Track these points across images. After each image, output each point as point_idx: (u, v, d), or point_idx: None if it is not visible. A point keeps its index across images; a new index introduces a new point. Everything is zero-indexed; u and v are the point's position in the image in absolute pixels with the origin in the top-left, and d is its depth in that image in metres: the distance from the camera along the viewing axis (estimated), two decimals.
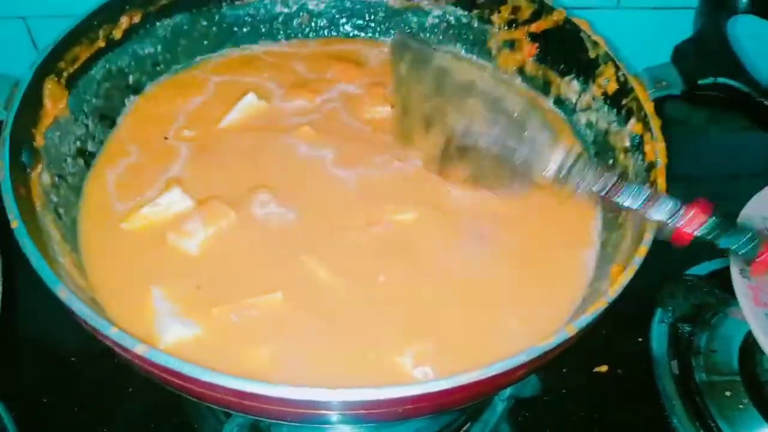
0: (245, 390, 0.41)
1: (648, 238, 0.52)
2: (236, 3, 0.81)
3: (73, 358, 0.72)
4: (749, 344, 0.77)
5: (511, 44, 0.81)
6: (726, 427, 0.71)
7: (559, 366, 0.75)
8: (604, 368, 0.76)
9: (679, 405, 0.74)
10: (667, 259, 0.85)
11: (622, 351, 0.79)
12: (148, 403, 0.69)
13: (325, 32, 0.87)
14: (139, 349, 0.42)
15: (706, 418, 0.73)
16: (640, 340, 0.80)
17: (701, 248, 0.85)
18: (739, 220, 0.76)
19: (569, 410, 0.72)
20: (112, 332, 0.43)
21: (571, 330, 0.46)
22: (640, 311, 0.82)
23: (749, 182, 0.96)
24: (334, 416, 0.46)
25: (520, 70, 0.81)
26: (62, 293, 0.45)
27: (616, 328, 0.78)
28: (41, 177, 0.59)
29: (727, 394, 0.75)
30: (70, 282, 0.53)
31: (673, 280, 0.80)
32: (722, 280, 0.79)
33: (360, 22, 0.86)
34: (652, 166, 0.59)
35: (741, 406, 0.74)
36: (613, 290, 0.48)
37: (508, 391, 0.69)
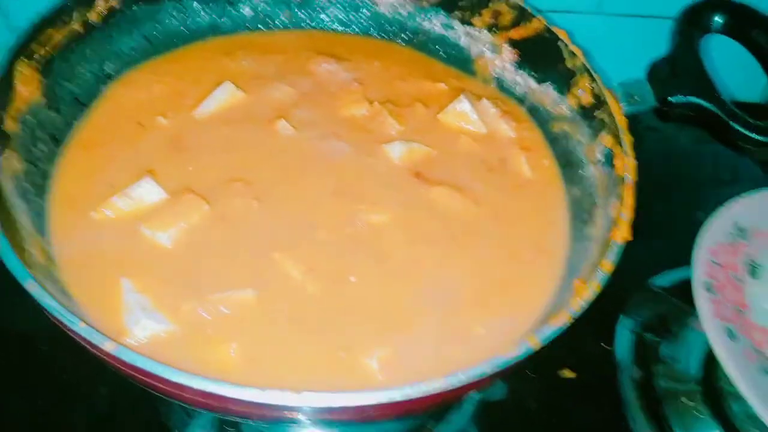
0: (210, 390, 0.41)
1: (613, 253, 0.53)
2: None
3: (44, 347, 0.71)
4: (711, 355, 0.79)
5: (492, 49, 0.81)
6: None
7: (523, 371, 0.76)
8: (571, 374, 0.77)
9: (639, 412, 0.76)
10: (634, 265, 0.87)
11: (587, 356, 0.80)
12: (117, 395, 0.69)
13: (308, 24, 0.86)
14: (108, 347, 0.42)
15: (664, 426, 0.75)
16: (605, 347, 0.82)
17: (668, 256, 0.88)
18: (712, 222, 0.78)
19: (534, 413, 0.74)
20: (80, 328, 0.43)
21: (534, 343, 0.47)
22: (606, 317, 0.84)
23: (716, 190, 0.99)
24: (299, 417, 0.46)
25: (499, 76, 0.81)
26: (31, 287, 0.45)
27: (581, 334, 0.80)
28: (11, 161, 0.58)
29: (687, 402, 0.77)
30: (39, 272, 0.53)
31: (638, 290, 0.82)
32: (686, 291, 0.82)
33: (342, 17, 0.86)
34: (621, 181, 0.61)
35: (699, 415, 0.76)
36: (576, 305, 0.49)
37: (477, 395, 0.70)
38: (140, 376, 0.43)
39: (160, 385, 0.43)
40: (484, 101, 0.78)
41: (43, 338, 0.70)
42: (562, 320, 0.48)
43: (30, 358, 0.71)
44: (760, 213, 0.84)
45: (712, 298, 0.74)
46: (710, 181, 1.03)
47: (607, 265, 0.53)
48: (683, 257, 0.83)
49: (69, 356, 0.64)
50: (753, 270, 0.80)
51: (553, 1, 0.94)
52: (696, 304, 0.73)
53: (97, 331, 0.43)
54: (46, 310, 0.44)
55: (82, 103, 0.70)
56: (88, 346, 0.44)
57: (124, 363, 0.42)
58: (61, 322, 0.44)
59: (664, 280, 0.85)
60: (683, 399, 0.77)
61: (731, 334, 0.72)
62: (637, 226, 0.90)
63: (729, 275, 0.79)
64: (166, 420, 0.68)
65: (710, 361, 0.79)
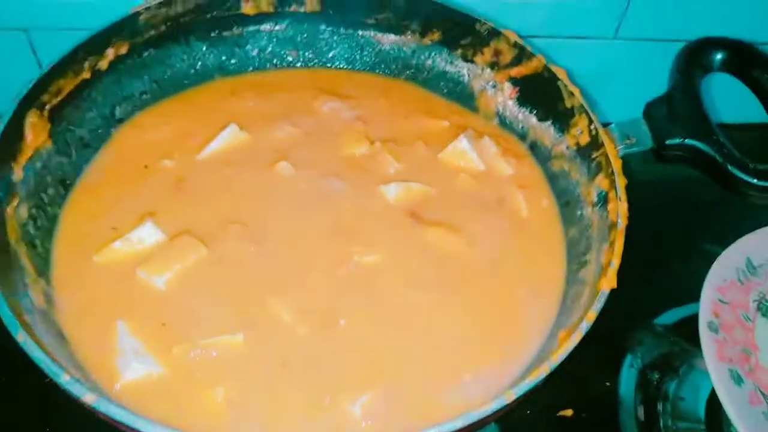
0: None
1: (598, 303, 0.53)
2: (224, 34, 0.83)
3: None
4: (716, 394, 0.77)
5: (493, 86, 0.82)
6: None
7: (522, 408, 0.76)
8: (569, 412, 0.76)
9: None
10: (638, 302, 0.86)
11: (589, 394, 0.79)
12: None
13: (314, 63, 0.88)
14: (88, 399, 0.44)
15: None
16: (607, 384, 0.80)
17: (674, 293, 0.86)
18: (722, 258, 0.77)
19: None
20: (63, 380, 0.45)
21: (509, 396, 0.47)
22: (610, 354, 0.83)
23: (730, 224, 0.97)
24: None
25: (501, 112, 0.81)
26: (21, 337, 0.47)
27: (584, 371, 0.80)
28: (17, 210, 0.61)
29: None
30: (36, 317, 0.55)
31: (641, 329, 0.80)
32: (690, 330, 0.80)
33: (348, 55, 0.87)
34: (613, 226, 0.60)
35: None
36: (556, 357, 0.49)
37: None
38: (121, 428, 0.45)
39: None
40: (486, 139, 0.78)
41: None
42: (539, 374, 0.48)
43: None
44: None
45: (717, 339, 0.72)
46: (723, 214, 1.01)
47: (591, 316, 0.52)
48: (692, 293, 0.81)
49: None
50: (764, 309, 0.78)
51: (568, 28, 0.94)
52: (701, 344, 0.71)
53: (79, 382, 0.45)
54: (33, 361, 0.46)
55: (91, 147, 0.73)
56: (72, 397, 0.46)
57: (103, 414, 0.44)
58: (47, 374, 0.45)
59: (671, 317, 0.84)
60: None
61: (736, 377, 0.70)
62: (645, 260, 0.89)
63: (738, 314, 0.77)
64: None
65: (716, 401, 0.76)
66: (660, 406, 0.78)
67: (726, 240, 0.80)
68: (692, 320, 0.83)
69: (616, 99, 0.88)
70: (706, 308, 0.75)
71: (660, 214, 0.95)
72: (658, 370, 0.80)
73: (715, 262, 0.79)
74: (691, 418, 0.77)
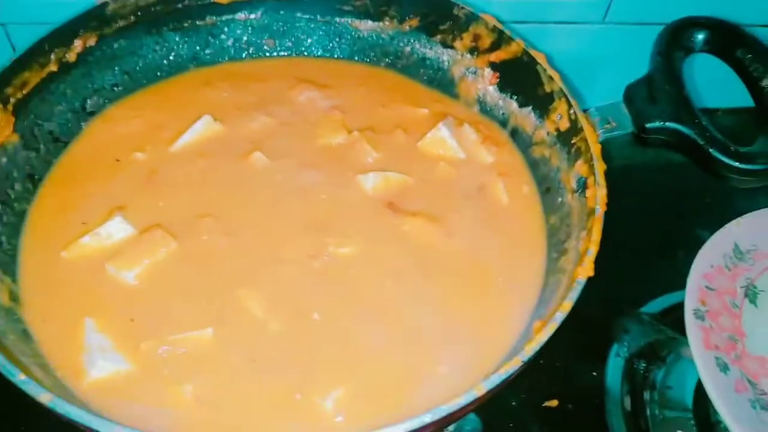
0: None
1: (573, 293, 0.51)
2: (198, 23, 0.81)
3: None
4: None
5: (473, 72, 0.80)
6: None
7: (506, 399, 0.74)
8: (554, 403, 0.75)
9: None
10: (623, 291, 0.84)
11: (575, 385, 0.78)
12: None
13: (291, 51, 0.86)
14: (43, 398, 0.43)
15: None
16: (594, 373, 0.79)
17: (663, 280, 0.85)
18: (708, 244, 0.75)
19: None
20: (17, 379, 0.43)
21: (479, 390, 0.45)
22: (596, 344, 0.81)
23: (716, 209, 0.95)
24: None
25: (481, 99, 0.80)
26: None
27: (570, 360, 0.79)
28: None
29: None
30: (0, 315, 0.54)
31: (627, 317, 0.79)
32: (676, 317, 0.78)
33: (325, 43, 0.86)
34: (591, 212, 0.58)
35: None
36: (529, 348, 0.48)
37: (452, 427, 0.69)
38: (81, 428, 0.44)
39: None
40: (466, 126, 0.76)
41: None
42: (512, 366, 0.47)
43: None
44: (764, 234, 0.80)
45: (703, 327, 0.71)
46: (714, 196, 0.99)
47: (567, 306, 0.51)
48: (681, 280, 0.80)
49: None
50: (752, 295, 0.76)
51: (557, 13, 0.92)
52: (687, 332, 0.70)
53: (34, 382, 0.43)
54: None
55: (61, 141, 0.72)
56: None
57: (60, 415, 0.43)
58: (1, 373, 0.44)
59: (658, 305, 0.82)
60: (675, 428, 0.74)
61: (722, 365, 0.69)
62: (633, 247, 0.87)
63: (725, 301, 0.76)
64: None
65: (703, 390, 0.75)
66: (647, 395, 0.77)
67: (712, 226, 0.79)
68: (679, 308, 0.82)
69: (606, 84, 0.86)
70: (692, 296, 0.73)
71: (646, 200, 0.94)
72: (644, 359, 0.78)
73: (701, 249, 0.77)
74: (678, 407, 0.76)
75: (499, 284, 0.64)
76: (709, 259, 0.77)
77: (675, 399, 0.77)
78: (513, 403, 0.75)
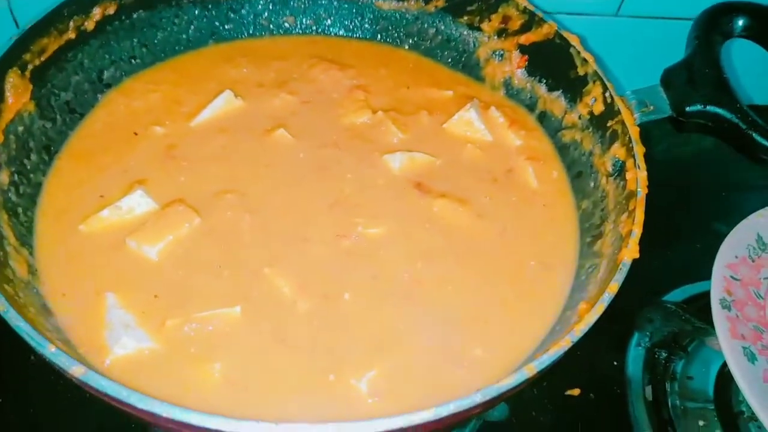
0: (178, 419, 0.39)
1: (621, 274, 0.50)
2: None
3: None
4: (726, 373, 0.75)
5: (500, 55, 0.78)
6: None
7: (529, 388, 0.73)
8: (576, 391, 0.74)
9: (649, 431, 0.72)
10: (646, 280, 0.83)
11: (597, 374, 0.77)
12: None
13: (311, 30, 0.84)
14: (76, 371, 0.40)
15: None
16: (615, 363, 0.78)
17: (680, 272, 0.84)
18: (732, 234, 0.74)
19: None
20: (49, 351, 0.41)
21: (530, 370, 0.44)
22: (618, 333, 0.80)
23: (737, 200, 0.95)
24: None
25: (507, 82, 0.78)
26: (1, 307, 0.43)
27: (591, 350, 0.77)
28: None
29: (700, 423, 0.73)
30: (19, 288, 0.51)
31: (651, 306, 0.78)
32: (700, 307, 0.78)
33: (347, 22, 0.84)
34: (632, 195, 0.57)
35: None
36: (578, 329, 0.46)
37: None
38: (111, 402, 0.41)
39: (133, 412, 0.41)
40: (493, 110, 0.75)
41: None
42: (561, 347, 0.45)
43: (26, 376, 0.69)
44: None
45: (729, 316, 0.70)
46: (730, 190, 0.98)
47: (614, 287, 0.49)
48: (699, 271, 0.79)
49: None
50: None
51: (570, 4, 0.91)
52: (714, 322, 0.69)
53: (66, 354, 0.41)
54: (15, 331, 0.42)
55: (77, 113, 0.69)
56: (59, 370, 0.42)
57: (92, 388, 0.40)
58: (31, 345, 0.42)
59: (679, 295, 0.81)
60: (696, 418, 0.73)
61: (750, 355, 0.68)
62: (651, 239, 0.87)
63: (750, 291, 0.75)
64: None
65: (725, 380, 0.75)
66: (668, 386, 0.76)
67: (734, 218, 0.78)
68: (700, 298, 0.81)
69: (618, 76, 0.85)
70: (718, 285, 0.72)
71: (666, 191, 0.93)
72: (665, 349, 0.77)
73: (725, 239, 0.76)
74: (699, 397, 0.75)
75: (531, 267, 0.62)
76: (733, 249, 0.76)
77: (696, 389, 0.76)
78: (535, 392, 0.74)
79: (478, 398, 0.42)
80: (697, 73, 0.62)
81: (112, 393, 0.40)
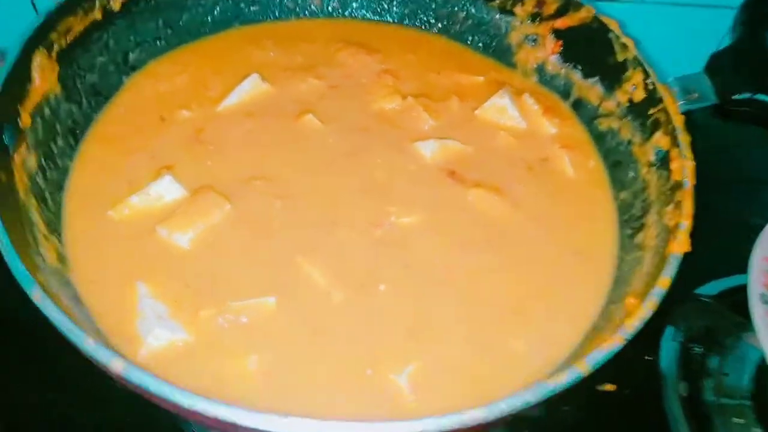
0: (218, 416, 0.37)
1: (671, 267, 0.48)
2: None
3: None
4: (763, 369, 0.74)
5: (534, 40, 0.76)
6: None
7: None
8: (610, 387, 0.72)
9: (686, 429, 0.71)
10: (681, 272, 0.82)
11: (630, 369, 0.75)
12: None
13: (338, 13, 0.82)
14: (116, 366, 0.39)
15: None
16: (648, 358, 0.76)
17: (713, 264, 0.82)
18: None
19: (571, 430, 0.69)
20: (86, 345, 0.40)
21: (583, 368, 0.42)
22: (650, 328, 0.78)
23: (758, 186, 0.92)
24: None
25: (541, 68, 0.76)
26: (36, 296, 0.41)
27: (624, 345, 0.76)
28: (26, 160, 0.55)
29: (737, 420, 0.72)
30: (49, 276, 0.50)
31: (686, 301, 0.76)
32: (735, 301, 0.76)
33: (375, 5, 0.81)
34: (678, 185, 0.55)
35: None
36: (630, 325, 0.45)
37: None
38: (148, 396, 0.40)
39: (171, 408, 0.40)
40: (526, 96, 0.73)
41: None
42: (614, 343, 0.44)
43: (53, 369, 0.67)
44: None
45: None
46: (765, 183, 0.96)
47: (665, 281, 0.48)
48: (734, 264, 0.77)
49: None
50: None
51: None
52: (752, 318, 0.67)
53: (105, 347, 0.40)
54: (51, 323, 0.41)
55: (102, 95, 0.67)
56: (96, 364, 0.41)
57: (131, 383, 0.39)
58: (67, 338, 0.40)
59: (713, 288, 0.79)
60: (733, 415, 0.72)
61: None
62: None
63: None
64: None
65: (763, 376, 0.73)
66: (703, 382, 0.74)
67: (762, 212, 0.76)
68: (735, 292, 0.79)
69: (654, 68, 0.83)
70: (757, 280, 0.70)
71: (703, 181, 0.91)
72: (700, 344, 0.76)
73: (762, 232, 0.74)
74: (736, 394, 0.73)
75: (570, 258, 0.61)
76: None
77: (732, 386, 0.74)
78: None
79: (530, 397, 0.40)
80: (745, 60, 0.60)
81: (155, 389, 0.38)
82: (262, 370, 0.50)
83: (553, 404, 0.69)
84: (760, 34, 0.61)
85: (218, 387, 0.49)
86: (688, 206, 0.53)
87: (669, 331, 0.77)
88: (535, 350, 0.53)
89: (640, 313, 0.45)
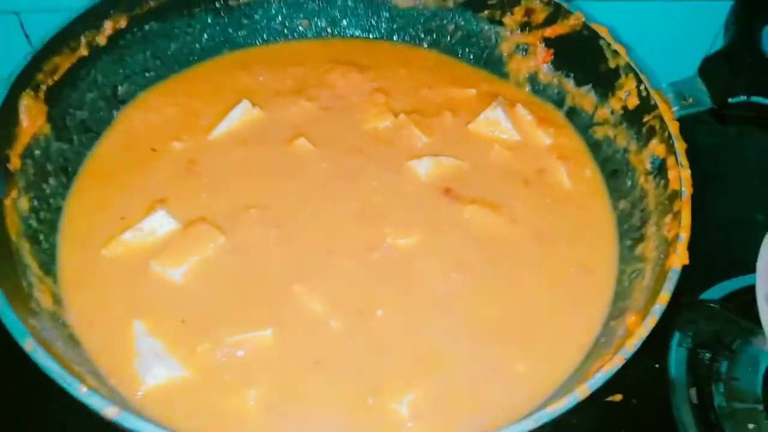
0: None
1: (671, 282, 0.47)
2: (230, 3, 0.76)
3: None
4: None
5: (524, 49, 0.75)
6: None
7: None
8: (617, 397, 0.71)
9: None
10: (682, 278, 0.81)
11: (638, 378, 0.74)
12: None
13: (327, 33, 0.82)
14: (110, 413, 0.39)
15: None
16: (657, 365, 0.75)
17: (717, 267, 0.81)
18: None
19: None
20: (80, 393, 0.39)
21: (583, 392, 0.41)
22: (657, 335, 0.77)
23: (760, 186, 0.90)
24: None
25: (533, 78, 0.75)
26: (29, 347, 0.41)
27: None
28: (17, 203, 0.55)
29: (750, 426, 0.70)
30: (45, 319, 0.50)
31: (692, 305, 0.75)
32: (742, 304, 0.74)
33: (363, 22, 0.81)
34: (675, 195, 0.54)
35: None
36: (630, 344, 0.44)
37: None
38: None
39: None
40: (519, 107, 0.72)
41: None
42: (614, 365, 0.43)
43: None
44: None
45: None
46: (758, 182, 0.95)
47: (665, 297, 0.47)
48: (737, 266, 0.76)
49: None
50: None
51: None
52: (762, 322, 0.66)
53: (98, 394, 0.39)
54: (44, 372, 0.41)
55: (93, 131, 0.67)
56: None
57: (126, 429, 0.39)
58: (62, 386, 0.40)
59: (719, 291, 0.78)
60: (745, 420, 0.71)
61: None
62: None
63: None
64: None
65: None
66: (713, 387, 0.73)
67: (764, 209, 0.75)
68: (741, 294, 0.78)
69: (652, 67, 0.82)
70: (764, 281, 0.69)
71: (701, 183, 0.89)
72: (708, 349, 0.75)
73: None
74: (747, 398, 0.72)
75: (570, 273, 0.60)
76: None
77: (743, 390, 0.73)
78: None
79: (530, 425, 0.40)
80: (739, 61, 0.59)
81: None
82: (262, 403, 0.50)
83: (560, 417, 0.69)
84: (753, 35, 0.60)
85: (218, 423, 0.49)
86: (686, 217, 0.52)
87: (676, 337, 0.76)
88: (537, 372, 0.53)
89: (640, 332, 0.45)
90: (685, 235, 0.51)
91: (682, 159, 0.55)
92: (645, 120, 0.62)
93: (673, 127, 0.58)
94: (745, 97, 0.57)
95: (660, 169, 0.58)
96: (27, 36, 0.90)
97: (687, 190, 0.53)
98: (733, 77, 0.58)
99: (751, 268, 0.70)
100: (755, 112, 0.57)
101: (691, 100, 0.60)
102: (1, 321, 0.43)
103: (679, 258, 0.49)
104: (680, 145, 0.56)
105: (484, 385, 0.52)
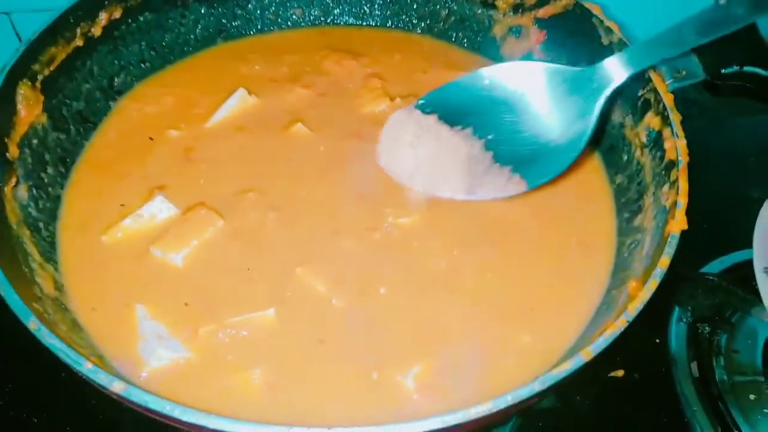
0: (225, 430, 0.37)
1: (671, 247, 0.48)
2: None
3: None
4: None
5: (517, 31, 0.76)
6: None
7: None
8: (620, 372, 0.71)
9: (700, 410, 0.70)
10: (681, 253, 0.81)
11: (639, 353, 0.74)
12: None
13: (321, 21, 0.82)
14: (116, 388, 0.39)
15: (729, 423, 0.69)
16: (657, 341, 0.76)
17: (715, 241, 0.81)
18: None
19: (584, 418, 0.68)
20: (85, 368, 0.39)
21: (587, 355, 0.42)
22: (657, 310, 0.78)
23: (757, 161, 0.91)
24: None
25: (527, 59, 0.76)
26: (33, 325, 0.41)
27: (632, 329, 0.75)
28: (16, 191, 0.55)
29: (751, 397, 0.71)
30: (47, 305, 0.50)
31: (692, 280, 0.75)
32: (740, 277, 0.75)
33: (356, 10, 0.81)
34: (672, 165, 0.55)
35: (765, 410, 0.70)
36: (632, 308, 0.44)
37: None
38: (153, 416, 0.40)
39: (173, 424, 0.39)
40: None
41: None
42: (617, 327, 0.43)
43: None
44: None
45: None
46: (760, 155, 0.95)
47: (665, 261, 0.47)
48: (735, 239, 0.76)
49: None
50: None
51: None
52: (761, 293, 0.67)
53: (104, 371, 0.39)
54: (50, 350, 0.41)
55: (90, 122, 0.67)
56: (97, 387, 0.40)
57: (133, 403, 0.39)
58: (67, 363, 0.40)
59: (717, 266, 0.78)
60: (746, 392, 0.71)
61: None
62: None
63: None
64: None
65: None
66: (714, 361, 0.73)
67: (760, 185, 0.75)
68: (739, 268, 0.78)
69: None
70: (761, 254, 0.70)
71: (698, 159, 0.90)
72: (708, 323, 0.75)
73: (763, 206, 0.74)
74: (748, 370, 0.72)
75: (570, 247, 0.60)
76: None
77: (744, 363, 0.73)
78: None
79: (537, 387, 0.40)
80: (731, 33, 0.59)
81: (156, 407, 0.38)
82: (266, 381, 0.50)
83: (564, 394, 0.69)
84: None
85: (224, 402, 0.49)
86: (683, 184, 0.52)
87: (676, 312, 0.77)
88: (543, 343, 0.53)
89: (642, 295, 0.45)
90: (683, 202, 0.51)
91: (678, 130, 0.56)
92: (639, 94, 0.62)
93: (668, 100, 0.58)
94: (738, 67, 0.58)
95: (656, 141, 0.59)
96: (18, 36, 0.90)
97: (683, 159, 0.54)
98: (725, 48, 0.59)
99: (748, 243, 0.71)
100: (748, 81, 0.58)
101: (684, 72, 0.60)
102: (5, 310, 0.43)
103: (678, 223, 0.49)
104: (675, 117, 0.57)
105: (490, 356, 0.52)
